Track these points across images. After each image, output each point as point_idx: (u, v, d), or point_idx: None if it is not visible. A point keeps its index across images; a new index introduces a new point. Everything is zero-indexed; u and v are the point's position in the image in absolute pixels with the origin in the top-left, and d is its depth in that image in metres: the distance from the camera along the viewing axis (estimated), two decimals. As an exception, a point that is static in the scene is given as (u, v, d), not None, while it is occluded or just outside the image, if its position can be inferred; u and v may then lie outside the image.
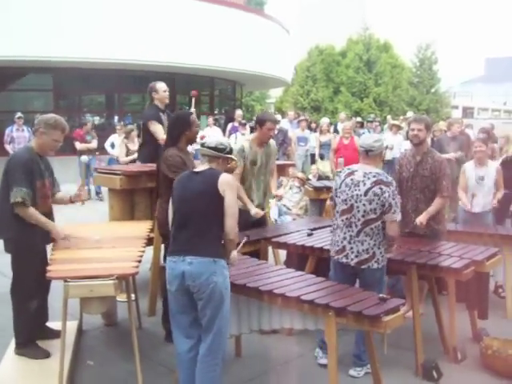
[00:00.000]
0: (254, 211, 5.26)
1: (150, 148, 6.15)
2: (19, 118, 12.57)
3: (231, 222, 3.44)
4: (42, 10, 14.05)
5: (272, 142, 5.67)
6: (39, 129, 4.21)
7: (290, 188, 9.95)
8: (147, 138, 6.19)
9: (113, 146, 12.75)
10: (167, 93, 6.24)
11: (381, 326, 3.25)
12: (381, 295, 3.47)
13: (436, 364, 4.21)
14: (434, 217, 5.08)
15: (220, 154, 3.57)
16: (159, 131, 5.94)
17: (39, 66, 15.20)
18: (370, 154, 4.19)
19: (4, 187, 4.12)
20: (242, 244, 4.09)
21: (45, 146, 4.27)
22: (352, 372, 4.22)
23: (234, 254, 3.67)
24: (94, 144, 12.97)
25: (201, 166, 3.60)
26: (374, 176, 4.08)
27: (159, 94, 6.17)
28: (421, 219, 4.98)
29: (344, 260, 4.16)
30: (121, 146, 10.50)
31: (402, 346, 4.54)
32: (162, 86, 6.21)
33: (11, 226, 4.08)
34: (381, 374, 3.89)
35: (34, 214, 4.07)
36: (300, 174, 10.11)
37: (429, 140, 9.82)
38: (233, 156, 3.77)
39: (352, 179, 4.15)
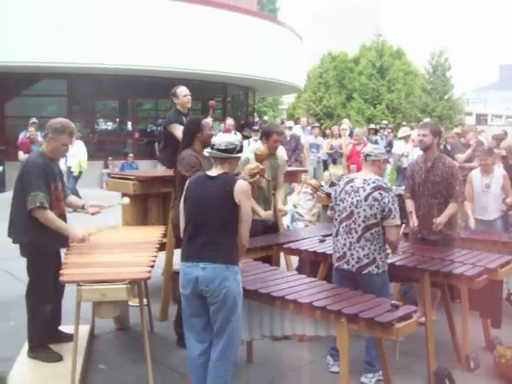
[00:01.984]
0: (264, 214, 5.25)
1: (170, 150, 6.17)
2: (33, 123, 12.66)
3: (246, 231, 3.48)
4: (56, 16, 14.19)
5: (280, 154, 5.64)
6: (48, 134, 4.27)
7: (303, 193, 9.97)
8: (168, 140, 6.22)
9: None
10: (188, 97, 6.21)
11: (393, 332, 3.24)
12: (393, 302, 3.46)
13: (448, 372, 4.17)
14: (446, 223, 5.05)
15: (231, 155, 3.56)
16: (181, 133, 5.98)
17: (53, 71, 15.34)
18: (368, 159, 4.27)
19: (18, 192, 4.16)
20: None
21: (54, 150, 4.32)
22: (363, 379, 4.20)
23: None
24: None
25: (214, 170, 3.60)
26: (374, 182, 4.12)
27: (179, 99, 6.17)
28: (440, 219, 4.95)
29: (345, 266, 4.16)
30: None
31: (415, 353, 4.51)
32: (182, 91, 6.21)
33: (27, 230, 4.12)
34: (393, 382, 3.87)
35: (52, 217, 4.12)
36: (313, 181, 10.09)
37: (441, 147, 9.86)
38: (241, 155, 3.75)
39: (352, 186, 4.18)
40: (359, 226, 4.09)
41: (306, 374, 4.42)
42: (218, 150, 3.54)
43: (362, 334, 3.56)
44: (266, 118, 24.07)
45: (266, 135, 5.40)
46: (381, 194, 4.04)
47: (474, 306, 4.70)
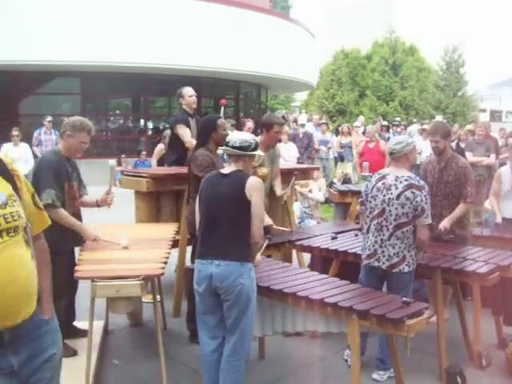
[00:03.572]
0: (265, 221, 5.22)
1: (176, 151, 6.21)
2: (49, 121, 12.76)
3: (257, 225, 3.46)
4: (70, 15, 14.31)
5: (277, 145, 5.60)
6: (66, 132, 4.27)
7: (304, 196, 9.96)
8: (174, 141, 6.27)
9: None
10: (194, 97, 6.23)
11: (404, 329, 3.25)
12: (404, 299, 3.47)
13: (460, 369, 4.17)
14: (458, 222, 5.03)
15: (245, 153, 3.58)
16: (186, 134, 6.00)
17: (67, 70, 15.48)
18: (393, 157, 4.23)
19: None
20: (264, 246, 4.12)
21: (72, 148, 4.33)
22: (375, 376, 4.22)
23: (258, 256, 3.70)
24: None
25: (228, 168, 3.63)
26: (406, 180, 4.08)
27: (185, 100, 6.20)
28: (444, 224, 4.93)
29: (376, 264, 4.16)
30: None
31: (426, 350, 4.51)
32: (187, 91, 6.22)
33: None
34: (404, 379, 3.88)
35: (64, 215, 4.14)
36: (301, 189, 9.93)
37: (453, 144, 9.81)
38: (259, 152, 3.78)
39: (384, 183, 4.16)
40: (390, 224, 4.08)
41: (318, 371, 4.44)
42: (233, 147, 3.56)
43: (373, 331, 3.58)
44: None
45: (266, 127, 5.30)
46: (413, 193, 4.01)
47: (486, 304, 4.68)
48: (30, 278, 2.26)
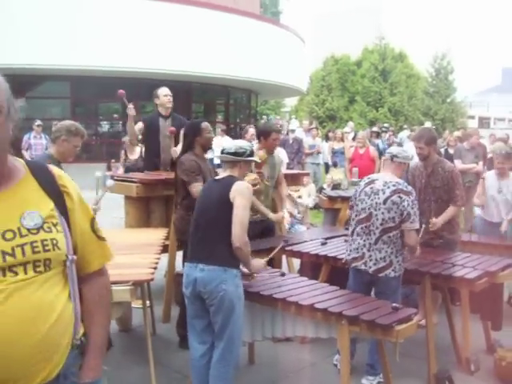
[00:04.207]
0: (274, 217, 5.25)
1: (150, 157, 6.22)
2: (38, 125, 12.70)
3: (237, 230, 3.38)
4: (60, 19, 14.28)
5: (276, 152, 5.63)
6: (61, 136, 4.26)
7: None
8: (147, 147, 6.29)
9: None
10: (169, 97, 6.08)
11: (393, 334, 3.26)
12: (394, 304, 3.48)
13: (449, 375, 4.19)
14: (448, 227, 5.07)
15: (240, 159, 3.59)
16: (130, 128, 6.07)
17: (57, 73, 15.43)
18: (395, 160, 4.25)
19: None
20: (277, 249, 4.20)
21: (66, 152, 4.33)
22: (364, 381, 4.23)
23: (258, 262, 3.71)
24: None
25: (222, 174, 3.65)
26: (394, 185, 4.11)
27: (160, 99, 6.09)
28: (436, 220, 4.96)
29: (363, 267, 4.18)
30: None
31: (415, 355, 4.52)
32: (162, 91, 6.11)
33: None
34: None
35: None
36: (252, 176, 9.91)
37: (442, 150, 9.86)
38: (255, 158, 3.79)
39: (372, 188, 4.19)
40: (377, 228, 4.11)
41: (308, 376, 4.45)
42: (228, 153, 3.57)
43: (362, 336, 3.59)
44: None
45: (264, 135, 5.35)
46: (400, 198, 4.03)
47: (475, 309, 4.71)
48: (59, 328, 1.72)
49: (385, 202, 4.07)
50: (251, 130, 11.03)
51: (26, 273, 1.65)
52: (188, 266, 3.53)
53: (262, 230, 5.32)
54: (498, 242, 5.70)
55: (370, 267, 4.14)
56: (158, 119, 6.07)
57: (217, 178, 3.66)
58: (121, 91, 6.00)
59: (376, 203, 4.11)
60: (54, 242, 1.71)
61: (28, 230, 1.67)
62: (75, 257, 1.82)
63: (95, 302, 1.91)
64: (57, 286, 1.74)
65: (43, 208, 1.74)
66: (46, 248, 1.69)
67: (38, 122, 12.74)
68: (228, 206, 3.41)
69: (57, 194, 1.80)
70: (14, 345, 1.60)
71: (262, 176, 5.15)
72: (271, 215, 5.23)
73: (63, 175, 1.89)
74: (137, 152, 8.48)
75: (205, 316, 3.52)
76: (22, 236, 1.65)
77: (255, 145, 5.39)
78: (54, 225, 1.74)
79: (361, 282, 4.22)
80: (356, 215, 4.26)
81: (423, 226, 4.58)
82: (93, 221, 1.95)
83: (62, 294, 1.75)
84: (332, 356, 4.55)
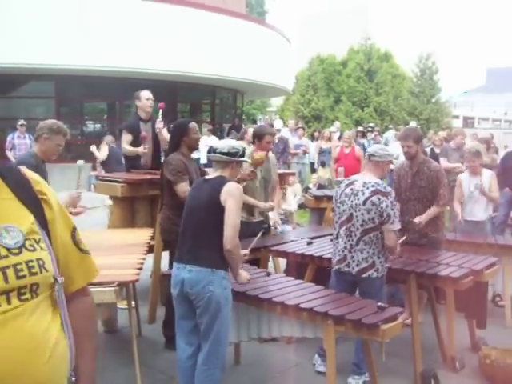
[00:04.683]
0: (264, 206, 5.32)
1: (130, 159, 6.19)
2: (22, 125, 12.60)
3: (229, 233, 3.36)
4: (44, 18, 14.15)
5: (270, 155, 5.68)
6: (43, 135, 4.25)
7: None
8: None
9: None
10: (150, 101, 6.07)
11: (379, 334, 3.27)
12: (379, 304, 3.49)
13: (434, 373, 4.21)
14: (432, 225, 5.10)
15: (233, 159, 3.57)
16: (124, 141, 6.00)
17: (41, 73, 15.28)
18: (372, 159, 4.24)
19: None
20: (259, 235, 4.34)
21: (49, 151, 4.31)
22: (350, 380, 4.23)
23: (244, 274, 3.70)
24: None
25: (212, 173, 3.63)
26: (373, 186, 4.11)
27: (141, 102, 6.05)
28: (420, 218, 4.99)
29: (346, 269, 4.18)
30: None
31: (401, 354, 4.54)
32: (145, 94, 6.07)
33: None
34: (379, 383, 3.90)
35: None
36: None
37: (428, 149, 9.92)
38: (246, 159, 3.79)
39: (352, 189, 4.19)
40: (357, 229, 4.10)
41: (294, 376, 4.45)
42: (221, 153, 3.54)
43: (348, 336, 3.59)
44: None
45: (258, 137, 5.41)
46: (379, 199, 4.03)
47: (460, 308, 4.74)
48: (54, 364, 1.44)
49: (364, 202, 4.07)
50: (250, 130, 11.14)
51: (9, 303, 1.35)
52: (176, 266, 3.51)
53: (260, 231, 5.36)
54: (482, 240, 5.75)
55: (353, 268, 4.14)
56: (138, 124, 6.05)
57: (207, 177, 3.63)
58: (161, 104, 6.15)
59: (356, 204, 4.11)
60: (41, 262, 1.41)
61: (8, 249, 1.37)
62: (63, 278, 1.53)
63: (82, 328, 1.62)
64: (46, 313, 1.46)
65: (22, 222, 1.43)
66: (33, 271, 1.39)
67: (22, 122, 12.63)
68: (218, 208, 3.39)
69: (35, 203, 1.50)
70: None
71: (254, 175, 5.16)
72: (261, 204, 5.26)
73: (39, 179, 1.60)
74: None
75: (192, 317, 3.50)
76: (1, 258, 1.35)
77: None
78: (37, 242, 1.44)
79: (344, 282, 4.22)
80: (339, 217, 4.27)
81: (407, 226, 4.61)
82: (74, 231, 1.64)
83: (53, 323, 1.47)
84: (318, 356, 4.56)
